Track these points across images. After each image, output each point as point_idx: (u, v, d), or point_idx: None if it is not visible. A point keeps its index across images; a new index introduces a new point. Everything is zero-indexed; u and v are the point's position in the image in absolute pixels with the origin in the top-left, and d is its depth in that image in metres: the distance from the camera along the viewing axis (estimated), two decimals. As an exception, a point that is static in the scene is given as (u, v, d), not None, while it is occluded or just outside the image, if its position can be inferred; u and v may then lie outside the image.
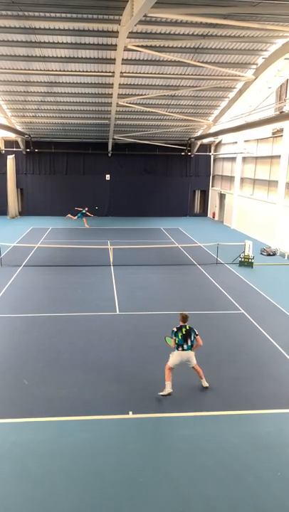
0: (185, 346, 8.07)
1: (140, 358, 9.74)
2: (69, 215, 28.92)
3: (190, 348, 8.10)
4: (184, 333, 8.09)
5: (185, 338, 8.07)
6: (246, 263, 18.39)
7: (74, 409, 7.77)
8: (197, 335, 8.22)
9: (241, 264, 18.47)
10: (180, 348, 8.07)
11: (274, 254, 20.88)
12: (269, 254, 20.75)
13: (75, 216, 28.48)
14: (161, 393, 8.07)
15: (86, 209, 28.51)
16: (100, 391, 8.36)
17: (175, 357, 8.10)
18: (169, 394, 8.05)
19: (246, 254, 18.55)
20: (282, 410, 7.85)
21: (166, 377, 8.13)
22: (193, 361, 8.24)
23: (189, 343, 8.08)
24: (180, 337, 8.07)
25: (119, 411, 7.72)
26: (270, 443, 6.94)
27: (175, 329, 8.18)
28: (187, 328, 8.15)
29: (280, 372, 9.23)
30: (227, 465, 6.43)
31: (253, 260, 18.46)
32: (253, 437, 7.07)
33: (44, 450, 6.69)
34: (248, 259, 18.43)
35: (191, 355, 8.13)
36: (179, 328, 8.15)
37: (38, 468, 6.29)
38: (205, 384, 8.43)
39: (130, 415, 7.62)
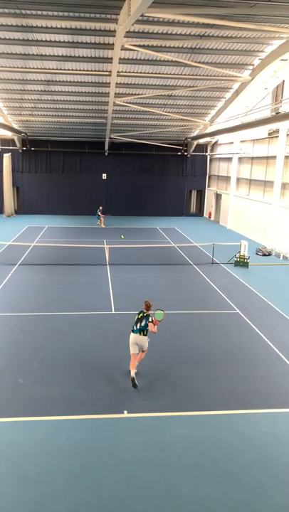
0: (134, 328, 8.63)
1: (136, 358, 9.75)
2: (100, 222, 28.48)
3: (138, 331, 8.53)
4: (138, 317, 8.65)
5: (136, 321, 8.62)
6: (242, 263, 18.46)
7: (69, 408, 7.77)
8: (150, 321, 8.54)
9: (237, 264, 18.53)
10: (132, 329, 8.69)
11: (269, 254, 20.97)
12: (264, 255, 20.83)
13: (99, 218, 28.40)
14: (131, 374, 8.55)
15: (100, 208, 28.73)
16: (95, 390, 8.36)
17: (130, 338, 8.65)
18: (132, 379, 8.46)
19: (242, 254, 18.61)
20: (277, 410, 7.90)
21: (131, 364, 8.65)
22: (144, 347, 8.66)
23: (138, 327, 8.55)
24: (135, 319, 8.71)
25: (115, 410, 7.73)
26: (265, 443, 6.98)
27: (140, 312, 8.74)
28: (144, 314, 8.61)
29: (274, 371, 9.29)
30: (222, 464, 6.47)
31: (248, 260, 18.52)
32: (248, 437, 7.11)
33: (40, 450, 6.69)
34: (244, 259, 18.50)
35: (141, 339, 8.55)
36: (138, 313, 8.76)
37: (34, 468, 6.30)
38: (132, 373, 8.49)
39: (125, 414, 7.64)
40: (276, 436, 7.16)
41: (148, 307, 8.73)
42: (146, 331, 8.52)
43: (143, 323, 8.50)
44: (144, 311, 8.68)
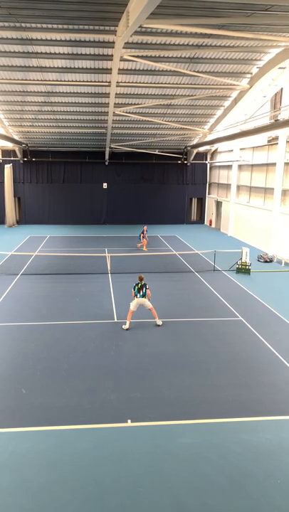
0: (138, 295, 12.02)
1: (138, 366, 9.72)
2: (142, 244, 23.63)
3: (142, 296, 12.03)
4: (139, 287, 12.10)
5: (138, 290, 12.06)
6: (243, 270, 18.43)
7: (73, 418, 7.72)
8: (147, 288, 12.19)
9: (238, 271, 18.51)
10: (136, 296, 12.04)
11: (271, 260, 20.95)
12: (266, 261, 20.81)
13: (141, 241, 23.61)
14: (123, 326, 12.02)
15: (144, 228, 24.01)
16: (99, 400, 8.32)
17: (134, 302, 12.04)
18: (128, 329, 11.95)
19: (243, 261, 18.60)
20: (282, 417, 7.83)
21: (128, 317, 12.08)
22: (148, 305, 12.17)
23: (141, 293, 12.04)
24: (136, 289, 12.10)
25: (118, 419, 7.68)
26: (271, 451, 6.91)
27: (134, 284, 12.21)
28: (142, 283, 12.15)
29: (279, 378, 9.22)
30: (227, 473, 6.40)
31: (250, 267, 18.50)
32: (253, 445, 7.04)
33: (43, 460, 6.64)
34: (245, 266, 18.48)
35: (144, 301, 12.07)
36: (136, 284, 12.18)
37: (37, 479, 6.24)
38: (158, 322, 12.32)
39: (129, 423, 7.58)
40: (281, 443, 7.09)
41: (141, 279, 12.30)
42: (146, 295, 12.12)
43: (144, 290, 12.08)
44: (140, 281, 12.18)
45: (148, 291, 12.13)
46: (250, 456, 6.78)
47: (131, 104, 21.99)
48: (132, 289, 12.14)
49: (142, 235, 23.64)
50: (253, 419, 7.75)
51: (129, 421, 7.64)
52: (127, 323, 11.98)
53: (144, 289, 12.09)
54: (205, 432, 7.38)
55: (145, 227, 24.11)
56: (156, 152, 31.52)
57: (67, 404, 8.13)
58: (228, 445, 7.04)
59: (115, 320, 12.64)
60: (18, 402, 8.22)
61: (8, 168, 31.03)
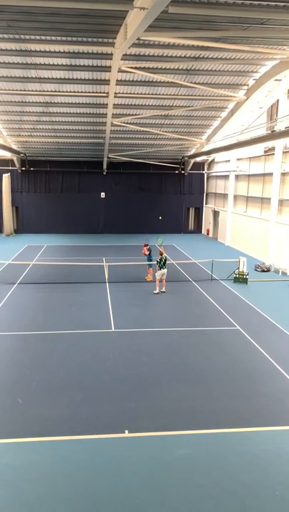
0: (164, 267, 16.23)
1: (135, 376, 9.66)
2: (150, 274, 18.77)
3: (164, 267, 16.21)
4: (163, 261, 16.18)
5: (164, 263, 16.19)
6: (241, 279, 18.45)
7: (69, 429, 7.65)
8: (165, 260, 16.34)
9: (236, 280, 18.52)
10: (162, 269, 16.20)
11: (268, 270, 20.98)
12: (263, 271, 20.85)
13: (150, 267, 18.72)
14: (154, 291, 16.36)
15: (145, 247, 18.46)
16: (96, 410, 8.25)
17: (159, 273, 16.31)
18: (158, 293, 16.26)
19: (241, 270, 18.62)
20: (280, 427, 7.78)
21: (156, 284, 16.45)
22: (165, 276, 16.54)
23: (165, 266, 16.22)
24: (161, 263, 16.17)
25: (115, 430, 7.61)
26: (268, 461, 6.86)
27: (158, 259, 16.27)
28: (165, 257, 16.27)
29: (276, 388, 9.18)
30: (224, 485, 6.33)
31: (247, 276, 18.52)
32: (251, 456, 6.98)
33: (38, 472, 6.55)
34: (243, 275, 18.50)
35: (165, 271, 16.33)
36: (160, 259, 16.16)
37: (31, 492, 6.15)
38: (163, 289, 16.49)
39: (126, 434, 7.52)
40: (279, 454, 7.03)
41: (162, 253, 16.28)
42: (166, 266, 16.18)
43: (165, 263, 16.21)
44: (162, 256, 16.16)
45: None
46: (248, 467, 6.72)
47: (129, 115, 22.18)
48: (157, 264, 16.22)
49: (144, 249, 18.45)
50: (251, 430, 7.70)
51: (126, 431, 7.57)
52: (157, 289, 16.31)
53: (166, 262, 16.10)
54: (202, 443, 7.32)
55: (146, 247, 18.39)
56: (154, 162, 31.71)
57: (64, 415, 8.06)
58: (225, 456, 6.97)
59: (112, 329, 12.60)
60: (13, 412, 8.13)
61: (6, 178, 31.12)
